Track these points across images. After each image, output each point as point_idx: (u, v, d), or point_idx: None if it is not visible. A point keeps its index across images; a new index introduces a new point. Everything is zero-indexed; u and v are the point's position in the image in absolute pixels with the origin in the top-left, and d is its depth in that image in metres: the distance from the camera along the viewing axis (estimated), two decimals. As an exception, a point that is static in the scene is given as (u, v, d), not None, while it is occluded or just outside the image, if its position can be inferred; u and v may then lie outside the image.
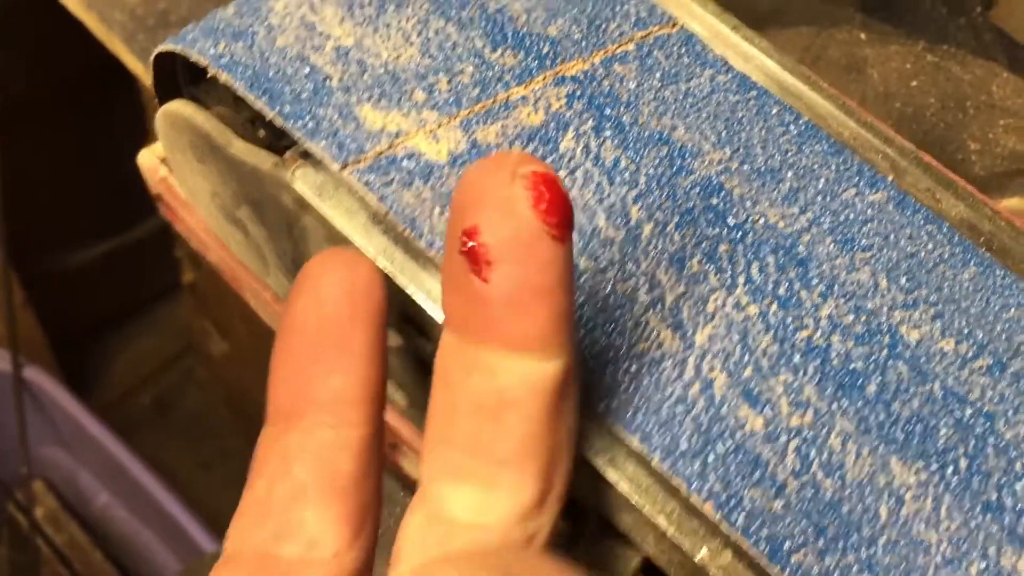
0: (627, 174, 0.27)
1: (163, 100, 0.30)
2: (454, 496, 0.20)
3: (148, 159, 0.33)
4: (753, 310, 0.25)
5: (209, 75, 0.27)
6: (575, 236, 0.26)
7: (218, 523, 0.99)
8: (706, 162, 0.27)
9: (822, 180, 0.27)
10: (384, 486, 0.22)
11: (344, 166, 0.26)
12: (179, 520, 0.96)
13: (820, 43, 0.42)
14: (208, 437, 1.20)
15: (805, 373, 0.25)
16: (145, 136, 0.92)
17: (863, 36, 0.42)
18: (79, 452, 1.05)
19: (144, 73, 0.61)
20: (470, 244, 0.18)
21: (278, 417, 0.21)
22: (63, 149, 0.98)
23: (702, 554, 0.23)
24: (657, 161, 0.27)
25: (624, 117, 0.27)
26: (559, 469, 0.21)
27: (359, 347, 0.20)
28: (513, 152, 0.19)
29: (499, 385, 0.19)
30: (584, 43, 0.28)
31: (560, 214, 0.18)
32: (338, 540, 0.20)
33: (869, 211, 0.27)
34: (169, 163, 0.32)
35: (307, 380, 0.20)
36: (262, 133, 0.29)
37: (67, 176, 1.00)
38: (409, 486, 0.35)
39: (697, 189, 0.27)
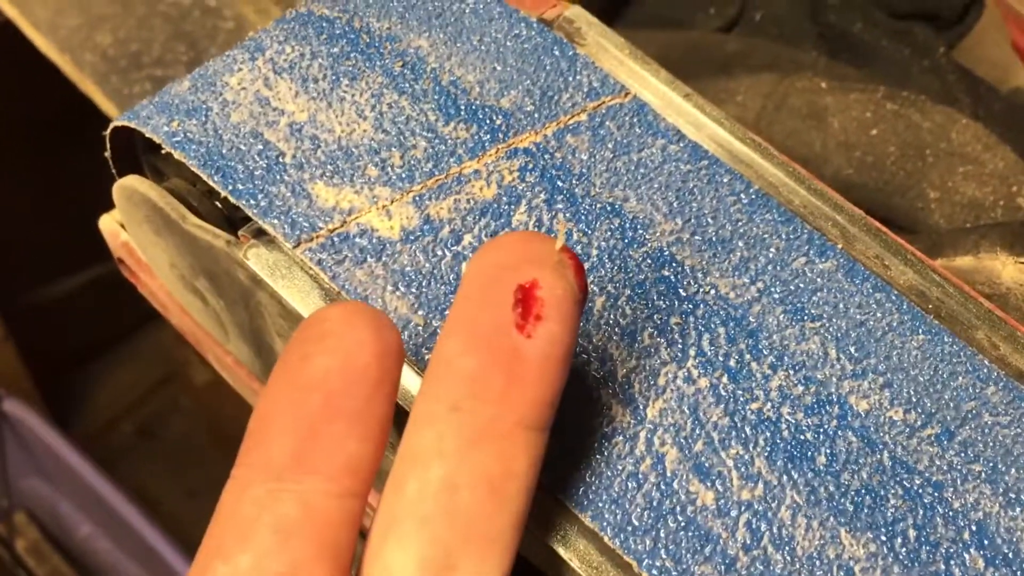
0: (579, 247, 0.27)
1: (121, 171, 0.30)
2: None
3: (108, 224, 0.33)
4: (704, 383, 0.25)
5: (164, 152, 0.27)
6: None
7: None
8: (657, 233, 0.27)
9: (772, 249, 0.27)
10: None
11: (297, 244, 0.26)
12: (161, 551, 0.96)
13: (782, 91, 0.42)
14: (193, 465, 1.19)
15: (756, 445, 0.25)
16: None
17: (824, 84, 0.42)
18: (60, 483, 1.05)
19: (117, 113, 0.62)
20: (526, 296, 0.19)
21: (264, 472, 0.19)
22: (41, 183, 0.98)
23: (655, 629, 0.24)
24: (609, 233, 0.27)
25: (576, 189, 0.28)
26: (514, 550, 0.20)
27: (380, 413, 0.19)
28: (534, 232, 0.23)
29: (510, 456, 0.19)
30: (537, 115, 0.29)
31: (586, 291, 0.21)
32: None
33: (819, 280, 0.27)
34: (128, 231, 0.32)
35: (317, 440, 0.19)
36: (219, 204, 0.29)
37: (45, 208, 1.00)
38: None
39: (648, 261, 0.27)
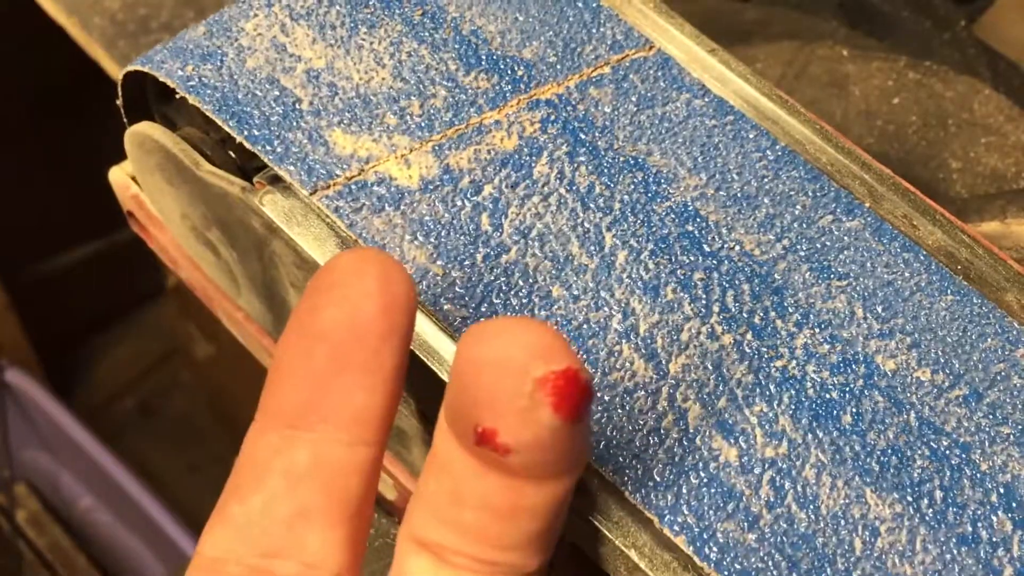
0: (601, 200, 0.26)
1: (132, 120, 0.30)
2: (459, 560, 0.19)
3: (118, 176, 0.33)
4: (728, 339, 0.25)
5: (178, 96, 0.27)
6: (548, 264, 0.25)
7: (203, 527, 0.98)
8: (681, 188, 0.27)
9: (798, 207, 0.27)
10: None
11: (313, 192, 0.25)
12: (162, 523, 0.96)
13: (802, 59, 0.41)
14: (194, 440, 1.19)
15: (780, 403, 0.24)
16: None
17: (845, 52, 0.41)
18: (62, 455, 1.04)
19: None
20: (487, 441, 0.17)
21: (279, 419, 0.19)
22: (45, 154, 0.97)
23: (675, 587, 0.23)
24: (632, 187, 0.27)
25: (599, 142, 0.27)
26: (558, 534, 0.20)
27: (388, 367, 0.19)
28: (521, 331, 0.17)
29: (514, 496, 0.18)
30: (559, 66, 0.28)
31: (583, 409, 0.17)
32: (339, 563, 0.19)
33: (846, 238, 0.27)
34: (139, 182, 0.32)
35: (326, 391, 0.19)
36: (233, 154, 0.28)
37: (50, 180, 1.00)
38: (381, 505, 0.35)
39: (672, 216, 0.26)
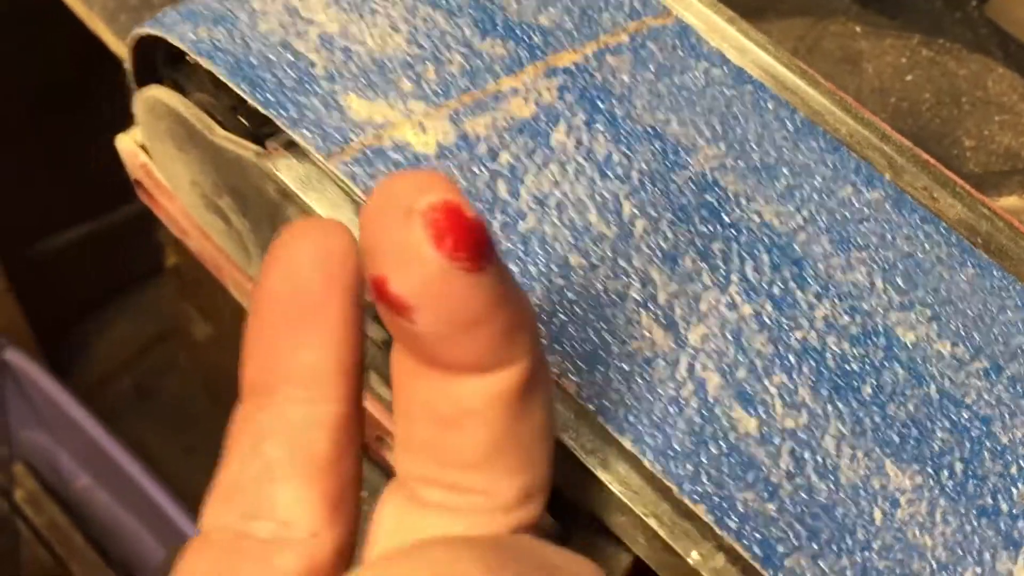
0: (619, 169, 0.26)
1: (141, 84, 0.29)
2: (429, 495, 0.19)
3: (127, 144, 0.32)
4: (747, 309, 0.25)
5: (190, 60, 0.26)
6: (566, 232, 0.25)
7: (200, 506, 0.98)
8: (700, 158, 0.26)
9: (818, 178, 0.27)
10: (371, 478, 0.21)
11: (328, 156, 0.25)
12: (160, 503, 0.95)
13: (815, 34, 0.41)
14: (190, 421, 1.19)
15: (800, 374, 0.24)
16: (125, 119, 0.90)
17: (858, 29, 0.41)
18: (60, 434, 1.04)
19: (126, 55, 0.60)
20: (382, 294, 0.17)
21: (250, 393, 0.20)
22: (43, 134, 0.97)
23: (694, 557, 0.23)
24: (650, 156, 0.26)
25: (617, 110, 0.27)
26: (535, 460, 0.20)
27: (333, 320, 0.19)
28: (409, 176, 0.16)
29: (452, 398, 0.18)
30: (576, 33, 0.28)
31: (469, 246, 0.16)
32: (314, 520, 0.19)
33: (866, 210, 0.26)
34: (148, 149, 0.31)
35: (278, 354, 0.19)
36: (244, 120, 0.28)
37: (47, 160, 0.99)
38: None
39: (691, 185, 0.26)
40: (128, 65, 0.29)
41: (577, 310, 0.24)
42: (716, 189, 0.26)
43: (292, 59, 0.26)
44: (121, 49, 0.61)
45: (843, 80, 0.41)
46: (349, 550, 0.20)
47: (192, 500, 0.98)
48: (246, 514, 0.19)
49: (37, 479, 1.07)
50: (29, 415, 1.04)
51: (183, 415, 1.20)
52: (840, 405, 0.24)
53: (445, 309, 0.17)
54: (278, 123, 0.25)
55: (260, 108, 0.25)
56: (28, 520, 1.04)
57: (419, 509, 0.19)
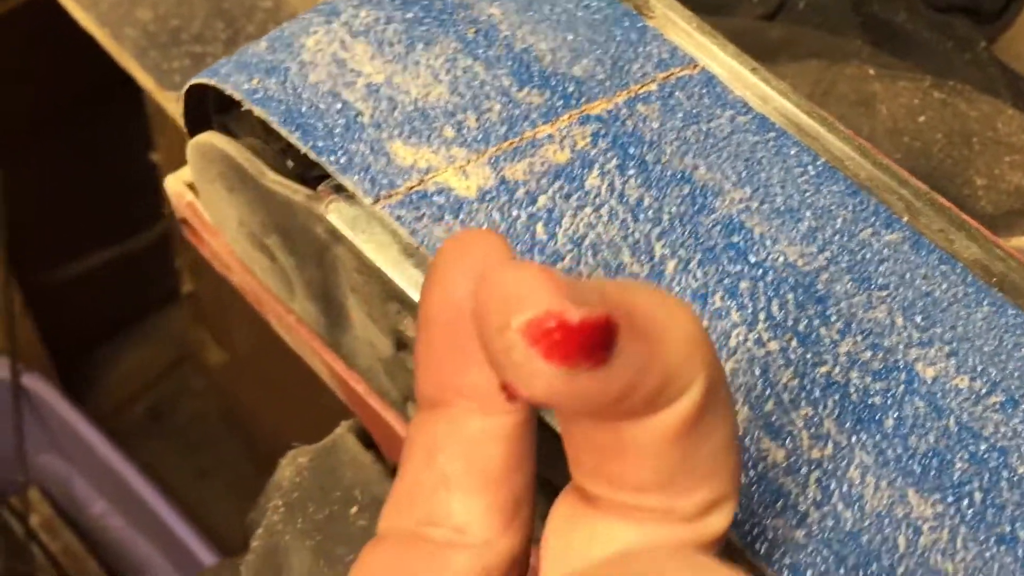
0: (651, 212, 0.27)
1: (192, 130, 0.31)
2: (606, 508, 0.19)
3: (174, 184, 0.34)
4: (774, 346, 0.26)
5: (243, 108, 0.28)
6: (601, 272, 0.26)
7: (214, 532, 0.99)
8: (727, 201, 0.28)
9: (840, 220, 0.28)
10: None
11: (376, 200, 0.26)
12: (174, 528, 0.96)
13: (830, 77, 0.43)
14: (204, 446, 1.20)
15: (825, 407, 0.25)
16: (145, 148, 0.92)
17: (872, 71, 0.42)
18: (75, 460, 1.05)
19: (155, 88, 0.62)
20: (514, 396, 0.16)
21: (426, 405, 0.20)
22: (65, 160, 0.98)
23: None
24: (679, 199, 0.28)
25: (647, 156, 0.28)
26: (718, 471, 0.18)
27: None
28: (500, 282, 0.15)
29: (617, 436, 0.17)
30: (608, 83, 0.29)
31: (584, 352, 0.15)
32: (488, 529, 0.19)
33: (885, 251, 0.28)
34: (196, 189, 0.33)
35: (448, 374, 0.19)
36: (291, 164, 0.30)
37: (68, 186, 1.01)
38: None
39: (719, 227, 0.27)
40: (180, 110, 0.31)
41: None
42: (742, 230, 0.27)
43: (340, 107, 0.28)
44: (149, 83, 0.62)
45: (858, 121, 0.42)
46: (524, 559, 0.20)
47: (206, 523, 0.99)
48: (421, 521, 0.19)
49: (52, 504, 1.08)
50: (45, 440, 1.05)
51: (197, 439, 1.21)
52: (864, 436, 0.25)
53: (582, 402, 0.16)
54: (328, 169, 0.27)
55: (312, 155, 0.27)
56: (44, 546, 1.05)
57: (597, 514, 0.19)
